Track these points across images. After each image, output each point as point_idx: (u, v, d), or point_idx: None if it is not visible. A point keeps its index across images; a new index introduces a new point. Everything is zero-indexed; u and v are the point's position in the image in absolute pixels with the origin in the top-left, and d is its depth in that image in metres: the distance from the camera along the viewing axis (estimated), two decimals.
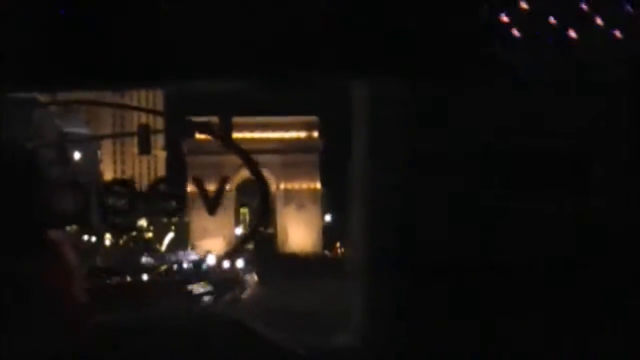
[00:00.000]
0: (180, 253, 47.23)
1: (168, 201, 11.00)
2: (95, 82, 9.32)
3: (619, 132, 8.91)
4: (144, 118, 52.30)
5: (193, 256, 45.23)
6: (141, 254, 45.19)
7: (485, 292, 8.43)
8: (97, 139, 47.15)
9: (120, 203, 9.74)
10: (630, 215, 8.79)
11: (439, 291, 8.31)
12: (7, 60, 8.03)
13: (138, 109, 50.85)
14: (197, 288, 34.19)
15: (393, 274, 8.35)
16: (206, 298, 33.33)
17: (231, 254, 45.89)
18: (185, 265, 41.32)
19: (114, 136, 54.36)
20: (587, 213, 8.68)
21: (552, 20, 7.99)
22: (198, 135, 44.10)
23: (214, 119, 28.36)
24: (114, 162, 59.82)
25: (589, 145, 8.83)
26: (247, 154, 10.76)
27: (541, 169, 8.79)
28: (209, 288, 34.84)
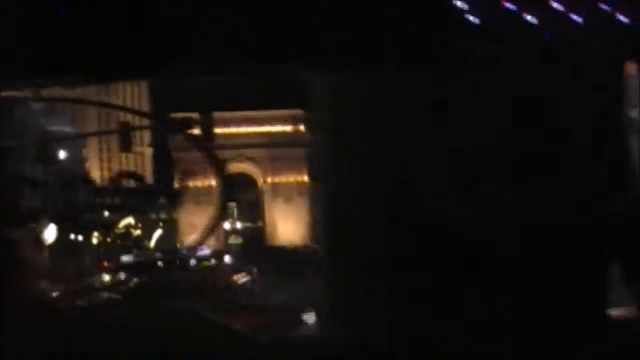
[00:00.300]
0: (194, 249, 47.56)
1: (157, 198, 10.99)
2: (86, 77, 9.34)
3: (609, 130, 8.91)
4: (130, 116, 52.13)
5: (204, 252, 45.68)
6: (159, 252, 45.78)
7: (469, 283, 8.44)
8: (80, 137, 46.96)
9: (95, 200, 9.76)
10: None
11: (408, 284, 8.32)
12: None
13: (122, 108, 50.74)
14: (241, 278, 36.39)
15: (360, 268, 8.36)
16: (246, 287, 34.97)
17: (200, 243, 46.41)
18: (192, 262, 42.14)
19: (95, 134, 54.09)
20: (588, 209, 8.69)
21: (511, 7, 8.04)
22: (185, 132, 43.97)
23: (197, 116, 28.13)
24: (101, 160, 59.63)
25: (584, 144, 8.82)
26: (215, 155, 10.78)
27: (536, 168, 8.78)
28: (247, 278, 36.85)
